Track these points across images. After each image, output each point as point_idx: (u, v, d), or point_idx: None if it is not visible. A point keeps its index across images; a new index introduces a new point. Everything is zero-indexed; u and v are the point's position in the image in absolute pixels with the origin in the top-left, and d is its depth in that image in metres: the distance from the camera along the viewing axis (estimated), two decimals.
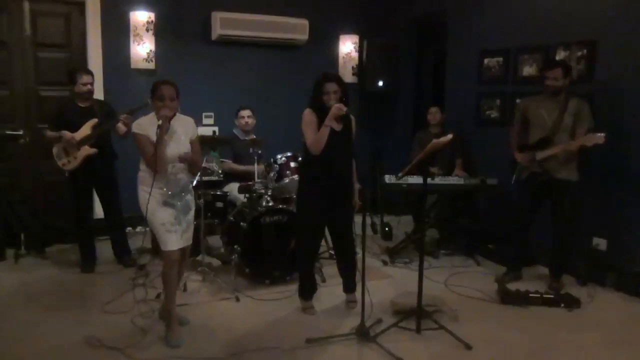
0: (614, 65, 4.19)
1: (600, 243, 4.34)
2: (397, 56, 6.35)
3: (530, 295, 3.84)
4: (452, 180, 4.77)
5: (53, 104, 4.79)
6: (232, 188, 4.62)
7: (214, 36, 5.62)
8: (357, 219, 3.50)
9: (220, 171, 4.60)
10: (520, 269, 4.40)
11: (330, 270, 4.26)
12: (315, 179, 3.49)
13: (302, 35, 5.91)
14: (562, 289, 4.07)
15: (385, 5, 6.49)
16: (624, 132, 4.11)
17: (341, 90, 3.42)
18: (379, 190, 5.33)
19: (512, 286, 3.98)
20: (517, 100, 4.93)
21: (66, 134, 4.11)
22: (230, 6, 5.60)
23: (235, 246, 4.07)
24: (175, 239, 3.15)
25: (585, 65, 4.33)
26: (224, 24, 5.52)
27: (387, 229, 5.55)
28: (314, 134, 3.38)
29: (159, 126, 3.02)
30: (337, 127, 3.43)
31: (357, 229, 3.58)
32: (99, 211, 4.86)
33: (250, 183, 4.34)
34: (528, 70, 4.87)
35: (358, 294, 3.52)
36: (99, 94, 4.47)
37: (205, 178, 4.37)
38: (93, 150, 4.19)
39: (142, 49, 5.29)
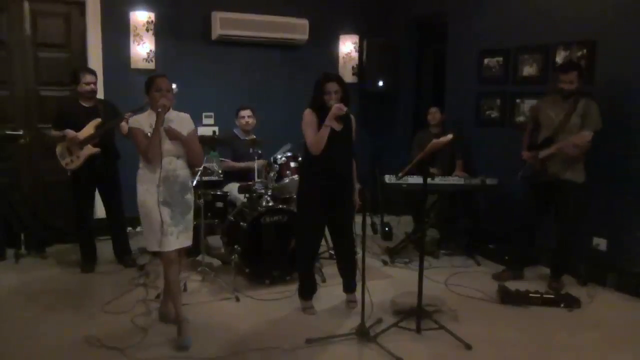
0: (614, 65, 4.19)
1: (601, 243, 4.34)
2: (397, 56, 6.34)
3: (530, 295, 3.84)
4: (452, 180, 4.77)
5: (53, 103, 4.80)
6: (232, 188, 4.62)
7: (214, 36, 5.62)
8: (357, 219, 3.51)
9: (220, 171, 4.60)
10: (521, 269, 4.40)
11: (330, 270, 4.26)
12: (316, 179, 3.49)
13: (302, 35, 5.91)
14: (562, 289, 4.07)
15: (385, 5, 6.49)
16: (624, 132, 4.11)
17: (342, 90, 3.42)
18: (379, 190, 5.32)
19: (513, 286, 3.98)
20: (517, 100, 4.96)
21: (70, 132, 4.12)
22: (230, 6, 5.60)
23: (236, 246, 4.06)
24: (171, 240, 3.14)
25: (585, 65, 4.33)
26: (224, 23, 5.52)
27: (387, 229, 5.55)
28: (315, 134, 3.38)
29: (158, 114, 3.05)
30: (338, 127, 3.42)
31: (357, 229, 3.58)
32: (99, 211, 4.85)
33: (250, 183, 4.34)
34: (528, 70, 4.87)
35: (358, 293, 3.51)
36: (98, 94, 4.47)
37: (205, 178, 4.38)
38: (96, 150, 4.19)
39: (142, 49, 5.29)
